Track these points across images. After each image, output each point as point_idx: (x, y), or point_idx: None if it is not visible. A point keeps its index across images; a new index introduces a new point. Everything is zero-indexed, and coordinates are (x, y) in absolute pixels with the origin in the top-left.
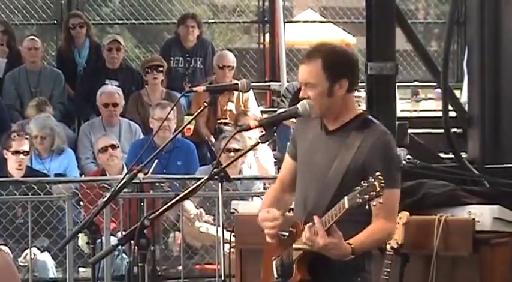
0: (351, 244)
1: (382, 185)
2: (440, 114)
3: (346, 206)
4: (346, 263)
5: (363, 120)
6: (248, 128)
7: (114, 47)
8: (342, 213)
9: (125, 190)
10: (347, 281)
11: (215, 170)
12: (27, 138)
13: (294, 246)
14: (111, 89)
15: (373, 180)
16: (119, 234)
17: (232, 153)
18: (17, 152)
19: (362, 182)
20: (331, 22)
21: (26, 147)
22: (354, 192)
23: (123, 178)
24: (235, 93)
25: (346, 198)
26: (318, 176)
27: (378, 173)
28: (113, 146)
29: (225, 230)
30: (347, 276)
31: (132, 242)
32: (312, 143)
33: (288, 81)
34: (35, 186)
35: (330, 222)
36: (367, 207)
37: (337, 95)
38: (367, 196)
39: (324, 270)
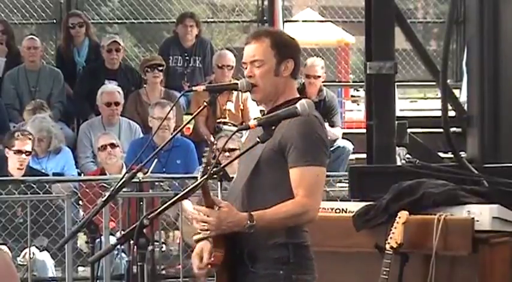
0: (248, 212)
1: (211, 152)
2: (439, 113)
3: (199, 180)
4: (270, 255)
5: (294, 102)
6: (248, 128)
7: (114, 48)
8: (201, 188)
9: (124, 189)
10: (268, 274)
11: (214, 169)
12: (30, 138)
13: (195, 238)
14: (111, 88)
15: (206, 149)
16: (118, 234)
17: (227, 153)
18: (19, 152)
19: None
20: (331, 21)
21: (28, 147)
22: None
23: (122, 177)
24: (235, 92)
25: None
26: (243, 163)
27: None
28: (113, 145)
29: None
30: (268, 269)
31: (132, 241)
32: (250, 137)
33: (243, 60)
34: (34, 186)
35: (204, 201)
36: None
37: (283, 76)
38: (204, 165)
39: (246, 261)
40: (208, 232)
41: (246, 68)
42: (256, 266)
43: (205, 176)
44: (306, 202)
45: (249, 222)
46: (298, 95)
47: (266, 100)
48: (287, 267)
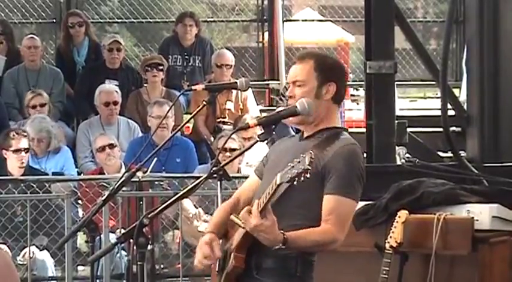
0: (284, 234)
1: (312, 160)
2: (439, 113)
3: (278, 182)
4: (277, 265)
5: (336, 131)
6: (247, 127)
7: (115, 48)
8: (274, 189)
9: (123, 189)
10: None
11: (214, 168)
12: (25, 136)
13: (232, 217)
14: (109, 88)
15: (304, 156)
16: (118, 232)
17: (228, 153)
18: (18, 150)
19: (295, 159)
20: (330, 21)
21: (25, 144)
22: (287, 168)
23: (121, 177)
24: (234, 92)
25: (279, 174)
26: (273, 171)
27: (310, 150)
28: (111, 145)
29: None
30: (273, 278)
31: (131, 240)
32: (282, 150)
33: (286, 80)
34: (34, 185)
35: (264, 201)
36: (295, 182)
37: (323, 99)
38: (296, 171)
39: (252, 268)
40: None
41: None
42: (262, 274)
43: (204, 176)
44: (336, 233)
45: (280, 245)
46: (339, 124)
47: (306, 122)
48: (292, 280)
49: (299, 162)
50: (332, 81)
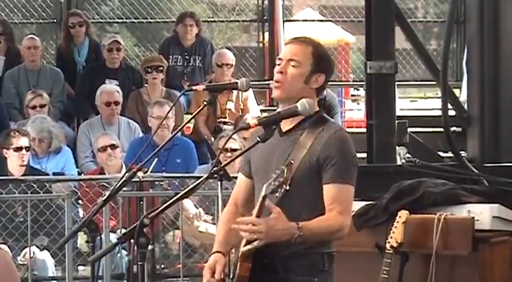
0: (297, 223)
1: (290, 171)
2: (439, 113)
3: (263, 193)
4: (305, 263)
5: (316, 118)
6: (248, 127)
7: (115, 48)
8: (261, 200)
9: (124, 189)
10: (301, 281)
11: (214, 168)
12: (25, 135)
13: (242, 249)
14: (110, 88)
15: (284, 167)
16: (119, 233)
17: (229, 153)
18: (19, 149)
19: (276, 170)
20: (331, 21)
21: (26, 143)
22: (271, 179)
23: (122, 177)
24: (235, 92)
25: (265, 185)
26: (269, 171)
27: (290, 160)
28: (113, 146)
29: None
30: (303, 275)
31: (132, 240)
32: (265, 149)
33: (279, 56)
34: (35, 185)
35: (256, 212)
36: (277, 195)
37: (311, 86)
38: (277, 182)
39: (278, 269)
40: (257, 242)
41: (280, 65)
42: (291, 273)
43: (205, 176)
44: (342, 219)
45: (298, 232)
46: (317, 109)
47: (285, 102)
48: (322, 275)
49: (280, 173)
50: (323, 72)
